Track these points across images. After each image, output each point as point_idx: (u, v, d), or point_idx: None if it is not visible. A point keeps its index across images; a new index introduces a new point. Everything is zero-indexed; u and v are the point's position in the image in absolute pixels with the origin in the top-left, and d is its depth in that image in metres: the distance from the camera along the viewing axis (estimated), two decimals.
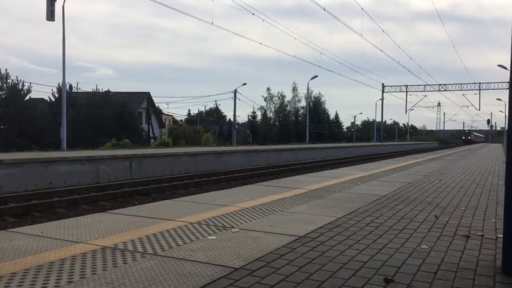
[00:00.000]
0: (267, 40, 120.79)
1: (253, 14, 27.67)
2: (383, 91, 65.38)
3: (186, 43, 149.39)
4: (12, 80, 36.20)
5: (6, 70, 36.76)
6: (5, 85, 36.06)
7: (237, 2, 38.59)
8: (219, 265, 3.04)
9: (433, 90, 62.64)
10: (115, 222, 4.36)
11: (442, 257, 3.43)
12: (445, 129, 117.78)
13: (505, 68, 44.86)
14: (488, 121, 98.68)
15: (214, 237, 3.83)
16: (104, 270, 2.88)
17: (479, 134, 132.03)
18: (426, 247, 3.70)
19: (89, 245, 3.47)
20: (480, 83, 59.87)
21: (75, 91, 44.45)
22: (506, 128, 3.73)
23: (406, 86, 63.95)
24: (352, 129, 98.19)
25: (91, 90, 44.50)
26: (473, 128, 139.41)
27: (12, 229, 4.16)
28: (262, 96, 78.87)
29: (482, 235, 4.21)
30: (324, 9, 28.56)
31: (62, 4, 21.20)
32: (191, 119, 78.22)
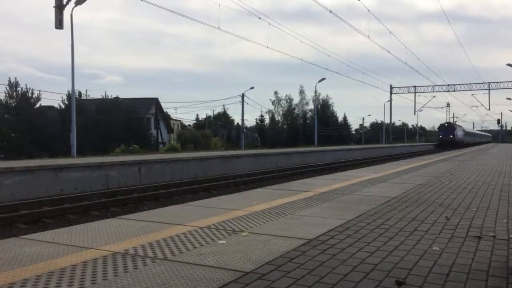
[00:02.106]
0: (274, 44, 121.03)
1: (260, 18, 27.64)
2: (391, 93, 65.10)
3: (193, 48, 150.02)
4: (22, 89, 36.66)
5: (15, 78, 37.27)
6: (15, 93, 36.48)
7: (243, 6, 38.68)
8: (229, 269, 3.04)
9: (442, 90, 62.28)
10: (125, 228, 4.38)
11: (454, 258, 3.40)
12: None
13: None
14: (498, 121, 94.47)
15: (224, 241, 3.83)
16: (115, 275, 2.89)
17: (476, 131, 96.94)
18: (438, 249, 3.67)
19: (100, 251, 3.49)
20: (489, 82, 59.42)
21: (84, 98, 44.82)
22: None
23: (415, 87, 63.64)
24: (361, 131, 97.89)
25: (100, 97, 44.91)
26: (483, 128, 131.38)
27: (24, 236, 4.19)
28: (270, 99, 79.08)
29: (494, 236, 4.17)
30: (331, 12, 28.55)
31: (70, 13, 21.41)
32: (200, 124, 78.49)
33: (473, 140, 78.14)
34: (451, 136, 62.96)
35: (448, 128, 65.35)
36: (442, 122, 68.98)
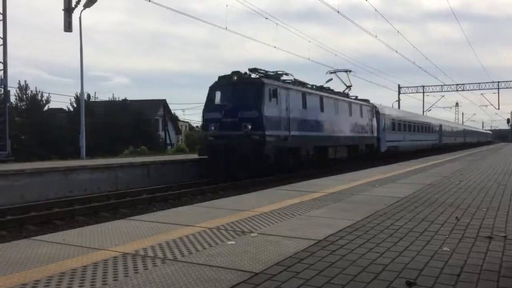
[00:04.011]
0: (281, 44, 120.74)
1: (267, 18, 27.51)
2: (399, 92, 64.72)
3: (199, 50, 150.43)
4: (31, 91, 36.93)
5: (25, 81, 37.49)
6: (24, 96, 36.79)
7: (250, 7, 38.72)
8: (239, 270, 3.04)
9: (451, 90, 61.79)
10: (135, 229, 4.40)
11: (464, 259, 3.37)
12: None
13: None
14: (508, 120, 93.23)
15: (233, 242, 3.84)
16: (125, 276, 2.91)
17: (446, 122, 50.87)
18: (448, 249, 3.65)
19: (110, 252, 3.51)
20: (498, 81, 58.89)
21: (93, 100, 45.07)
22: None
23: (423, 86, 63.23)
24: None
25: (108, 99, 45.12)
26: (493, 128, 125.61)
27: (35, 237, 4.23)
28: None
29: (505, 236, 4.13)
30: (338, 12, 28.38)
31: (79, 15, 21.54)
32: None
33: (421, 141, 36.96)
34: (247, 128, 15.63)
35: (233, 98, 16.29)
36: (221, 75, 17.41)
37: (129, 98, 45.97)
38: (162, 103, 50.63)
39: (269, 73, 17.87)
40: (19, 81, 37.35)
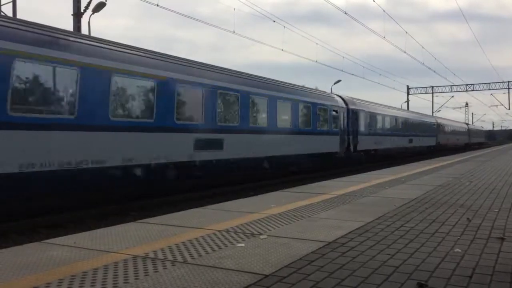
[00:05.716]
0: (288, 46, 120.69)
1: (274, 21, 27.49)
2: (408, 93, 64.34)
3: (206, 53, 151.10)
4: None
5: None
6: None
7: (257, 10, 38.68)
8: (249, 272, 3.04)
9: (460, 90, 61.26)
10: (145, 232, 4.42)
11: (476, 260, 3.34)
12: None
13: None
14: None
15: (242, 245, 3.84)
16: (136, 279, 2.92)
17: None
18: (460, 251, 3.62)
19: (121, 255, 3.52)
20: (508, 81, 58.33)
21: None
22: None
23: (432, 87, 62.84)
24: None
25: None
26: (503, 128, 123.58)
27: (46, 240, 4.25)
28: None
29: None
30: (346, 13, 28.33)
31: (88, 20, 21.69)
32: None
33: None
34: None
35: None
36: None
37: None
38: None
39: None
40: None
